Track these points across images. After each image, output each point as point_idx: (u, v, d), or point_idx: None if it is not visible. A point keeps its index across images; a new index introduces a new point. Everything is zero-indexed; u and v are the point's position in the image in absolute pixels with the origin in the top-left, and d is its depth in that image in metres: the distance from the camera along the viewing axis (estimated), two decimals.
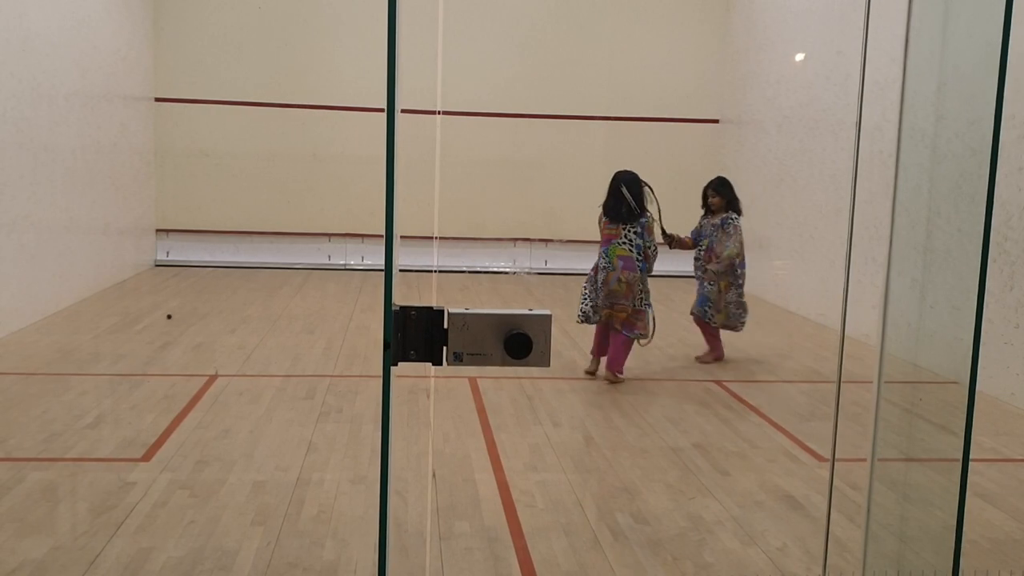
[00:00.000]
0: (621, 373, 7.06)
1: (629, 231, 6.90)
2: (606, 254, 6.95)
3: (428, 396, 6.46)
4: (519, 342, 1.99)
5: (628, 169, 7.09)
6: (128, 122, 11.65)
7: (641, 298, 6.94)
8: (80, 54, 9.83)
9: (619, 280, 6.86)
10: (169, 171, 12.87)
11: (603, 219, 7.04)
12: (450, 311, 2.02)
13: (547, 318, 2.05)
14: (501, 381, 6.90)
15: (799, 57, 10.89)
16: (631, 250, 6.88)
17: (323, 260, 13.18)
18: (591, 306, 7.04)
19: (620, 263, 6.87)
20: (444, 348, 2.01)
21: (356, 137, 12.53)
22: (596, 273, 7.05)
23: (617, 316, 6.92)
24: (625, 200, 6.87)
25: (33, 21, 8.61)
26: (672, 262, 13.41)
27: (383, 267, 1.95)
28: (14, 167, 8.22)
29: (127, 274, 11.62)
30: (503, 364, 2.05)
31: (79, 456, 5.06)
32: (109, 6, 10.90)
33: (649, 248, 6.93)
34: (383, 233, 1.96)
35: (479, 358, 2.04)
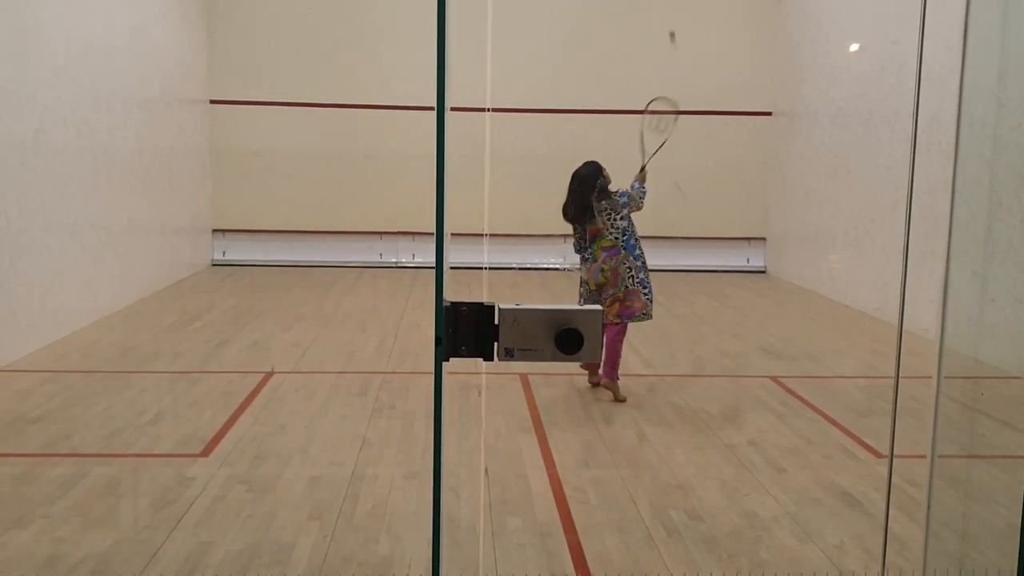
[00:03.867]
0: (617, 377, 6.40)
1: (615, 219, 6.35)
2: (590, 249, 6.44)
3: (480, 392, 6.48)
4: (570, 337, 1.99)
5: (586, 161, 6.46)
6: (184, 124, 11.87)
7: (631, 276, 6.35)
8: (137, 59, 10.03)
9: (602, 270, 6.35)
10: (225, 172, 13.08)
11: (594, 219, 6.41)
12: (501, 307, 2.02)
13: (597, 313, 2.04)
14: (552, 378, 6.90)
15: (853, 48, 10.71)
16: (617, 238, 6.34)
17: (375, 258, 13.29)
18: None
19: (603, 254, 6.36)
20: (495, 344, 2.02)
21: (407, 135, 12.60)
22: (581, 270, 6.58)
23: (610, 309, 6.36)
24: (587, 196, 6.33)
25: (92, 28, 8.80)
26: (723, 256, 13.29)
27: (434, 264, 1.97)
28: (75, 169, 8.42)
29: (184, 273, 11.83)
30: (554, 359, 2.05)
31: (140, 452, 5.17)
32: (165, 12, 11.11)
33: (638, 198, 6.41)
34: (434, 231, 1.97)
35: (530, 353, 2.04)
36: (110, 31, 9.27)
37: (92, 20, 8.81)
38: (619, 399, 6.34)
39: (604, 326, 6.31)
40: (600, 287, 6.40)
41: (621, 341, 6.46)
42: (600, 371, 6.47)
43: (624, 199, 6.42)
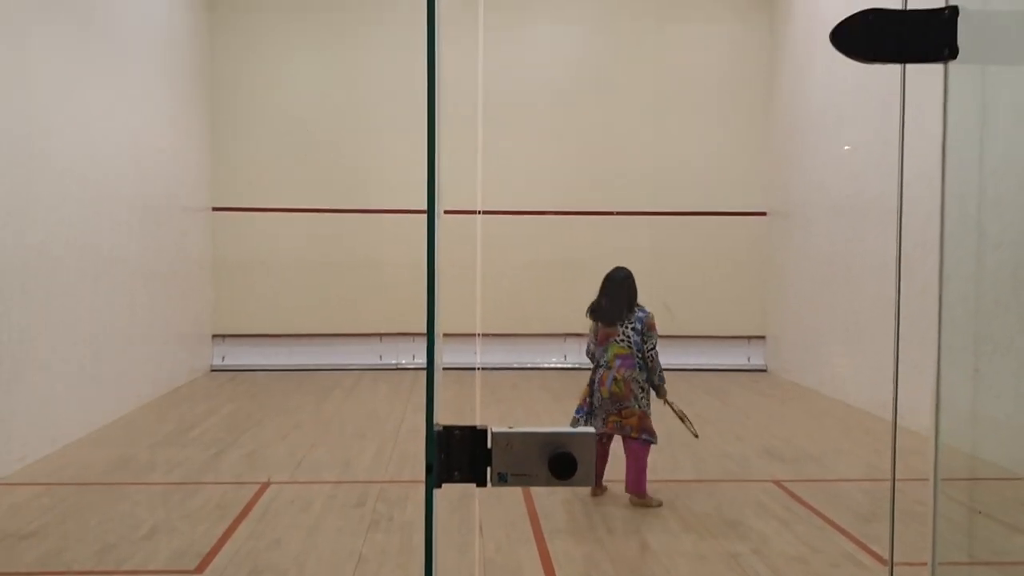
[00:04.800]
0: (645, 494, 6.34)
1: (627, 327, 6.41)
2: (604, 353, 6.45)
3: (475, 512, 6.39)
4: (563, 462, 1.98)
5: (619, 266, 6.63)
6: (187, 231, 12.01)
7: (645, 397, 6.40)
8: (142, 167, 10.22)
9: (615, 379, 6.32)
10: (225, 277, 13.18)
11: (596, 320, 6.55)
12: (493, 431, 2.01)
13: (591, 436, 2.03)
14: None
15: (846, 148, 10.91)
16: (630, 348, 6.37)
17: (375, 360, 13.26)
18: (586, 413, 6.46)
19: (618, 362, 6.36)
20: (488, 468, 2.00)
21: (406, 238, 12.70)
22: (592, 375, 6.54)
23: (628, 421, 6.35)
24: (622, 299, 6.46)
25: (98, 135, 8.99)
26: (723, 355, 13.27)
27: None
28: (77, 276, 8.48)
29: (183, 379, 11.79)
30: (548, 484, 2.03)
31: (134, 568, 5.07)
32: (170, 121, 11.37)
33: (649, 347, 6.40)
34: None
35: (523, 479, 2.03)
36: (116, 141, 9.46)
37: (98, 130, 9.01)
38: (656, 505, 6.29)
39: (625, 440, 6.37)
40: (613, 396, 6.35)
41: (646, 456, 6.39)
42: (627, 488, 6.36)
43: (643, 315, 6.43)
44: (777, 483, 6.97)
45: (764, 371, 13.28)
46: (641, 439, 6.34)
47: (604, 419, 6.36)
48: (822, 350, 11.54)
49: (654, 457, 7.60)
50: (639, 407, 6.35)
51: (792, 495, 6.62)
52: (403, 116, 12.93)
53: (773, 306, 13.26)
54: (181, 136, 11.83)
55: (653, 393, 6.51)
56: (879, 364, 9.85)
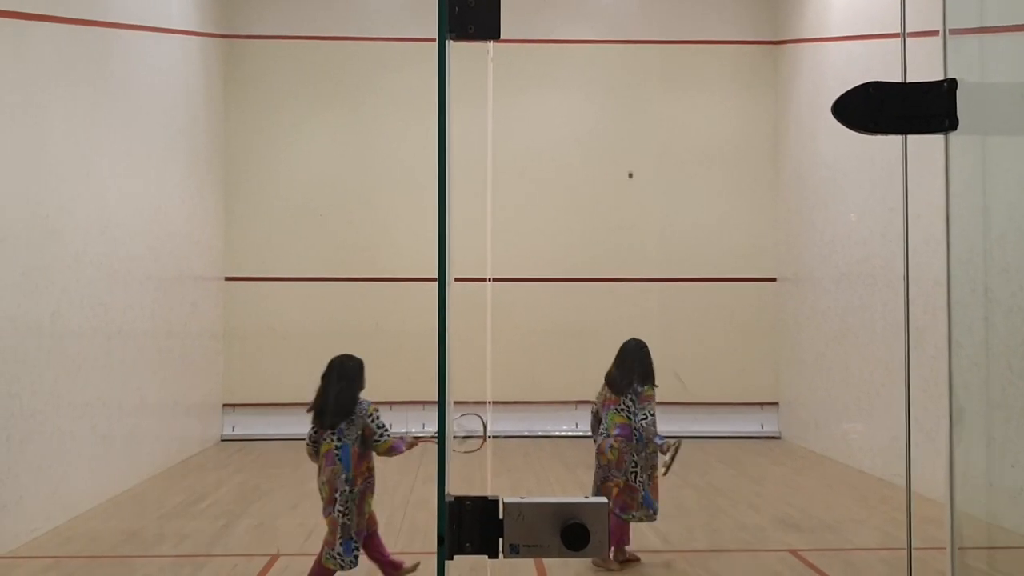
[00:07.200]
0: (612, 557, 6.33)
1: (628, 398, 6.39)
2: (605, 421, 6.46)
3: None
4: (575, 533, 1.96)
5: (634, 337, 6.72)
6: (199, 301, 12.08)
7: (634, 472, 6.32)
8: (155, 239, 10.33)
9: (612, 447, 6.31)
10: (236, 346, 13.21)
11: (605, 388, 6.56)
12: (505, 501, 2.00)
13: (603, 506, 2.01)
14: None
15: (853, 216, 10.97)
16: (628, 417, 6.35)
17: None
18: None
19: (616, 430, 6.34)
20: (500, 540, 1.98)
21: (416, 306, 12.76)
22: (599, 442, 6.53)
23: (609, 489, 6.32)
24: (632, 369, 6.49)
25: (112, 210, 9.12)
26: (737, 422, 13.16)
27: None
28: (89, 351, 8.52)
29: (193, 450, 11.74)
30: (560, 555, 2.01)
31: None
32: (184, 191, 11.52)
33: (639, 418, 6.35)
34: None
35: (536, 550, 2.01)
36: (130, 213, 9.59)
37: (113, 203, 9.14)
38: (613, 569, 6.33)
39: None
40: (609, 464, 6.37)
41: (620, 530, 6.37)
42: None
43: (640, 389, 6.40)
44: (794, 553, 6.86)
45: (778, 438, 13.15)
46: (614, 513, 6.28)
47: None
48: (836, 417, 11.45)
49: (667, 526, 7.50)
50: (624, 479, 6.30)
51: (810, 565, 6.51)
52: (413, 185, 13.10)
53: (785, 372, 13.19)
54: (195, 206, 11.97)
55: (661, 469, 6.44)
56: (893, 431, 9.76)
